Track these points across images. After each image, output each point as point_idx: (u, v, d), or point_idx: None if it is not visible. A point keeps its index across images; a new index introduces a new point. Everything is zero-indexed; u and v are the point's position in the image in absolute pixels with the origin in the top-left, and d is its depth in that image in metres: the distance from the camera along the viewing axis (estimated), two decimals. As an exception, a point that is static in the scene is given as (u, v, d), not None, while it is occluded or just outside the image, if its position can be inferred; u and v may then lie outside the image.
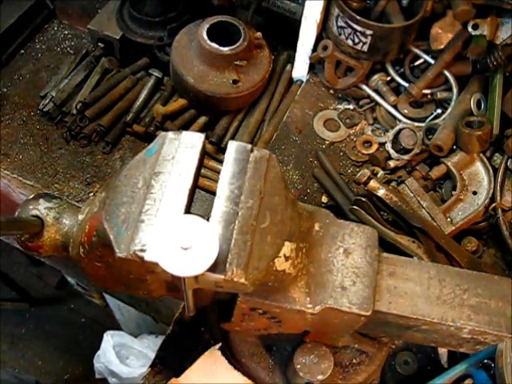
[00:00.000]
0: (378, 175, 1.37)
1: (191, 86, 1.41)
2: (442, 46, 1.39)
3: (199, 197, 1.37)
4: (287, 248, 0.67)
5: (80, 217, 0.74)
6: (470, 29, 1.33)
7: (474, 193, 1.29)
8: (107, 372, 2.03)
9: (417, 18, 1.32)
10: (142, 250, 0.59)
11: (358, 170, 1.39)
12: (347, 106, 1.52)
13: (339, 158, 1.42)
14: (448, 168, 1.32)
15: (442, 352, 1.14)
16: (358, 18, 1.30)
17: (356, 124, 1.49)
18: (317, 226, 0.75)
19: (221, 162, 1.41)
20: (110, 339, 1.98)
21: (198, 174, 0.69)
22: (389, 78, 1.49)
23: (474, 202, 1.28)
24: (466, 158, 1.32)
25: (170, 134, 0.69)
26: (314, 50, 1.47)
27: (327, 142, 1.45)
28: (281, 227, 0.67)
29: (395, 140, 1.42)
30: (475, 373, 1.04)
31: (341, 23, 1.35)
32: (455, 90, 1.41)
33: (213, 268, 0.57)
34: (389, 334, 0.85)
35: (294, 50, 1.53)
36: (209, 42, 1.38)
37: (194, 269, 0.54)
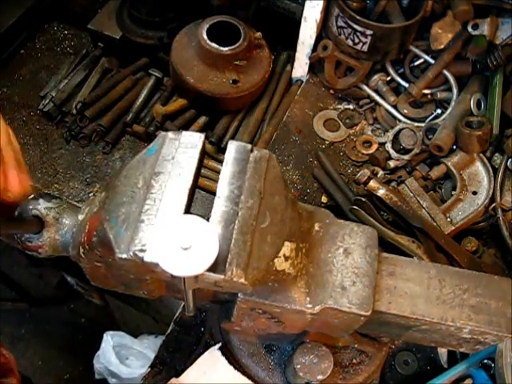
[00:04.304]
0: (378, 175, 1.37)
1: (191, 86, 1.41)
2: (441, 46, 1.39)
3: (199, 197, 1.37)
4: (287, 248, 0.67)
5: (80, 217, 0.74)
6: (469, 29, 1.33)
7: (474, 193, 1.29)
8: (107, 372, 2.03)
9: (417, 18, 1.32)
10: (142, 250, 0.59)
11: (358, 170, 1.39)
12: (347, 106, 1.52)
13: (339, 157, 1.43)
14: (448, 168, 1.32)
15: (442, 352, 1.14)
16: (357, 17, 1.30)
17: (356, 124, 1.49)
18: (317, 226, 0.75)
19: (221, 162, 1.41)
20: (109, 340, 1.98)
21: (197, 174, 0.69)
22: (389, 78, 1.49)
23: (474, 202, 1.28)
24: (465, 158, 1.32)
25: (170, 134, 0.69)
26: (314, 49, 1.47)
27: (327, 142, 1.45)
28: (281, 227, 0.67)
29: (395, 140, 1.42)
30: (475, 373, 1.04)
31: (341, 23, 1.35)
32: (455, 90, 1.41)
33: (213, 268, 0.57)
34: (389, 333, 0.85)
35: (294, 50, 1.52)
36: (209, 42, 1.38)
37: (193, 269, 0.54)
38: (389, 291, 0.74)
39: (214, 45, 1.38)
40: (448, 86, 1.44)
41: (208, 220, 0.61)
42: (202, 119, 1.49)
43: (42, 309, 2.80)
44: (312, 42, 1.46)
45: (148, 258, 0.58)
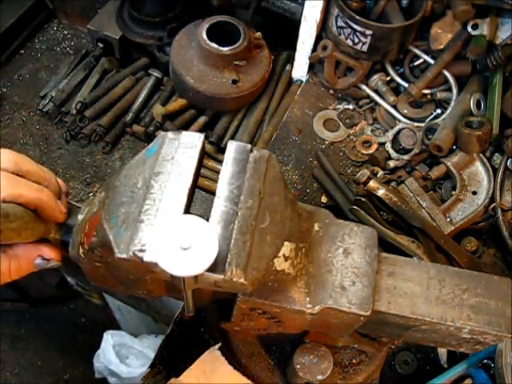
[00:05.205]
0: (378, 175, 1.37)
1: (191, 86, 1.41)
2: (441, 46, 1.39)
3: (199, 197, 1.37)
4: (286, 248, 0.67)
5: (80, 217, 0.74)
6: (469, 29, 1.33)
7: (474, 193, 1.29)
8: (107, 372, 2.03)
9: (417, 18, 1.32)
10: (142, 250, 0.59)
11: (357, 170, 1.39)
12: (347, 106, 1.52)
13: (339, 158, 1.43)
14: (448, 168, 1.32)
15: (442, 352, 1.14)
16: (357, 18, 1.30)
17: (356, 124, 1.49)
18: (316, 226, 0.75)
19: (220, 162, 1.40)
20: (109, 339, 1.98)
21: (197, 174, 0.69)
22: (388, 78, 1.49)
23: (474, 202, 1.28)
24: (465, 158, 1.32)
25: (170, 134, 0.69)
26: (314, 49, 1.48)
27: (327, 142, 1.45)
28: (280, 227, 0.67)
29: (395, 140, 1.42)
30: (475, 373, 1.04)
31: (340, 23, 1.35)
32: (455, 90, 1.41)
33: (212, 268, 0.57)
34: (388, 334, 0.85)
35: (294, 50, 1.53)
36: (208, 42, 1.38)
37: (193, 269, 0.54)
38: (388, 291, 0.74)
39: (213, 45, 1.38)
40: (448, 86, 1.44)
41: (208, 220, 0.61)
42: (202, 119, 1.49)
43: (42, 309, 2.80)
44: (312, 41, 1.46)
45: (148, 257, 0.58)
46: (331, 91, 1.54)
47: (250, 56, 1.46)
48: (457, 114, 1.37)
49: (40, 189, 0.67)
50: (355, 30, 1.33)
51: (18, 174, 0.67)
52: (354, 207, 1.18)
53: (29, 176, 0.69)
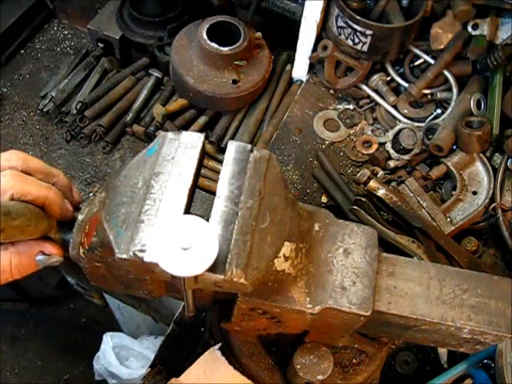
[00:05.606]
0: (378, 175, 1.37)
1: (191, 85, 1.41)
2: (441, 46, 1.39)
3: (199, 197, 1.37)
4: (287, 248, 0.67)
5: (80, 217, 0.74)
6: (469, 29, 1.33)
7: (474, 193, 1.29)
8: (107, 374, 2.03)
9: (417, 18, 1.33)
10: (142, 251, 0.59)
11: (358, 170, 1.39)
12: (347, 106, 1.52)
13: (339, 158, 1.43)
14: (448, 168, 1.32)
15: (442, 352, 1.14)
16: (357, 17, 1.30)
17: (356, 124, 1.49)
18: (317, 226, 0.75)
19: (220, 162, 1.41)
20: (109, 341, 1.98)
21: (197, 174, 0.69)
22: (389, 78, 1.49)
23: (474, 202, 1.28)
24: (465, 158, 1.32)
25: (170, 134, 0.69)
26: (314, 50, 1.48)
27: (327, 142, 1.45)
28: (280, 227, 0.67)
29: (395, 140, 1.42)
30: (475, 373, 1.04)
31: (341, 23, 1.35)
32: (455, 90, 1.41)
33: (212, 268, 0.57)
34: (389, 334, 0.85)
35: (294, 50, 1.53)
36: (209, 42, 1.38)
37: (193, 269, 0.54)
38: (389, 291, 0.74)
39: (214, 45, 1.38)
40: (448, 86, 1.44)
41: (208, 220, 0.61)
42: (202, 119, 1.49)
43: (42, 309, 2.80)
44: (312, 42, 1.46)
45: (148, 258, 0.58)
46: (331, 91, 1.54)
47: (250, 56, 1.46)
48: (457, 114, 1.37)
49: (48, 186, 0.69)
50: (355, 30, 1.33)
51: (26, 172, 0.68)
52: (355, 207, 1.18)
53: (37, 174, 0.71)
